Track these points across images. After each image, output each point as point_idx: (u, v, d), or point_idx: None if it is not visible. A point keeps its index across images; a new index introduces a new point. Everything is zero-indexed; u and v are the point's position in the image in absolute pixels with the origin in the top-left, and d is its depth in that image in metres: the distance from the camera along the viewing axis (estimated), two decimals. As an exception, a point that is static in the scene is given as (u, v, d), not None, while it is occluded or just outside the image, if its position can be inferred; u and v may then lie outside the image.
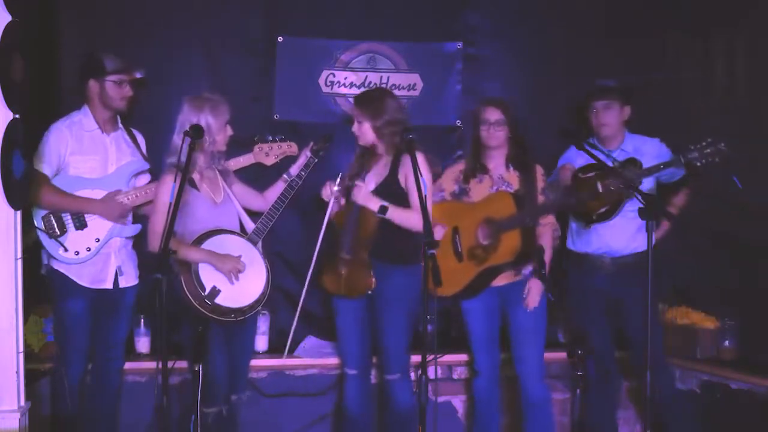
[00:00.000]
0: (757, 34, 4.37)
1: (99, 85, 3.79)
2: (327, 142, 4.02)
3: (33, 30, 3.66)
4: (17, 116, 3.08)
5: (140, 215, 3.92)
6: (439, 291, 3.84)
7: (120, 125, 3.93)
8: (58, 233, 3.70)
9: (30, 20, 3.40)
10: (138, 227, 3.89)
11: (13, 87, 3.06)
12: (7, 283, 3.06)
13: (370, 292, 3.72)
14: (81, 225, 3.74)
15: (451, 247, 3.91)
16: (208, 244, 3.59)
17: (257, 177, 4.25)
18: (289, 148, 4.15)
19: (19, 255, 3.10)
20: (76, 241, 3.73)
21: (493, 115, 3.90)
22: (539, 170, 3.96)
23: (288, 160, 4.14)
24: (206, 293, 3.52)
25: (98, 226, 3.77)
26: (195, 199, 3.64)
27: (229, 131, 3.70)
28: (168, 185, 3.49)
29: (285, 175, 4.00)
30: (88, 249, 3.74)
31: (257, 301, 3.67)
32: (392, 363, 3.77)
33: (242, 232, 3.81)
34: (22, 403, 3.10)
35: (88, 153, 3.77)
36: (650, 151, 4.02)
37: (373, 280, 3.70)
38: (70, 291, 3.73)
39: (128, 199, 3.79)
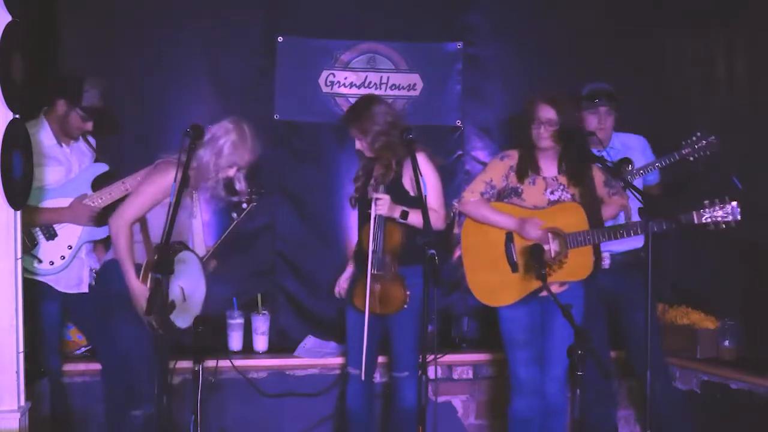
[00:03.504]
0: (757, 31, 4.36)
1: (66, 108, 3.73)
2: (260, 195, 3.92)
3: (33, 30, 3.64)
4: (17, 116, 3.08)
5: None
6: (485, 301, 3.70)
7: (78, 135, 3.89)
8: (30, 247, 3.66)
9: (30, 20, 3.39)
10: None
11: (13, 87, 3.06)
12: (7, 283, 3.06)
13: (406, 306, 3.65)
14: (51, 235, 3.72)
15: (506, 256, 3.54)
16: (180, 259, 3.39)
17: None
18: None
19: (19, 255, 3.10)
20: (49, 251, 3.71)
21: (547, 113, 3.57)
22: (595, 170, 3.68)
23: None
24: (166, 305, 3.30)
25: (68, 233, 3.74)
26: (185, 204, 3.54)
27: (229, 173, 3.52)
28: (165, 174, 3.37)
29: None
30: (62, 257, 3.73)
31: (188, 329, 3.48)
32: (400, 361, 3.76)
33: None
34: (22, 403, 3.09)
35: (50, 165, 3.72)
36: (636, 147, 4.09)
37: (408, 292, 3.63)
38: (45, 295, 3.70)
39: (95, 202, 3.74)
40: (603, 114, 4.03)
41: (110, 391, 3.84)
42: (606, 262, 4.04)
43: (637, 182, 4.04)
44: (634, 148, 4.08)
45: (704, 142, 3.88)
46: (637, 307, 3.54)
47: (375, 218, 3.59)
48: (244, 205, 3.87)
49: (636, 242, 4.00)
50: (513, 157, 3.71)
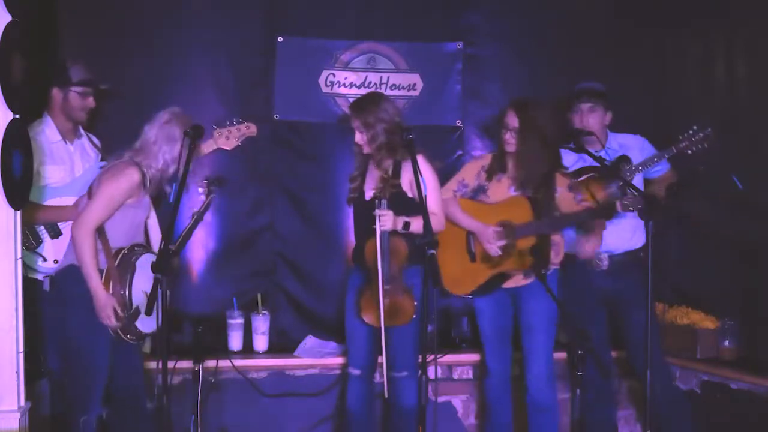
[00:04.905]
0: (757, 34, 4.36)
1: (62, 94, 3.75)
2: (218, 184, 3.87)
3: (33, 30, 3.65)
4: (17, 116, 3.08)
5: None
6: (451, 290, 3.90)
7: (82, 132, 3.91)
8: (35, 245, 3.68)
9: (30, 20, 3.39)
10: None
11: (13, 87, 3.06)
12: (7, 283, 3.06)
13: (415, 316, 3.67)
14: (56, 234, 3.72)
15: (466, 247, 3.84)
16: (142, 262, 3.42)
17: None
18: (248, 129, 3.95)
19: (19, 255, 3.10)
20: (53, 249, 3.71)
21: (512, 120, 3.78)
22: (559, 177, 3.84)
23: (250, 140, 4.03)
24: (131, 312, 3.37)
25: None
26: (144, 204, 3.55)
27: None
28: (124, 176, 3.38)
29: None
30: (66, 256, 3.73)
31: (152, 333, 3.50)
32: (399, 361, 3.76)
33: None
34: (22, 403, 3.09)
35: (55, 163, 3.73)
36: (635, 146, 4.07)
37: (416, 304, 3.65)
38: (44, 295, 3.69)
39: None
40: (585, 111, 4.03)
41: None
42: (605, 264, 4.04)
43: (638, 179, 4.03)
44: (632, 147, 4.06)
45: (701, 135, 3.86)
46: (636, 307, 3.55)
47: (380, 235, 3.58)
48: (202, 197, 3.82)
49: (635, 243, 4.01)
50: (487, 158, 4.00)
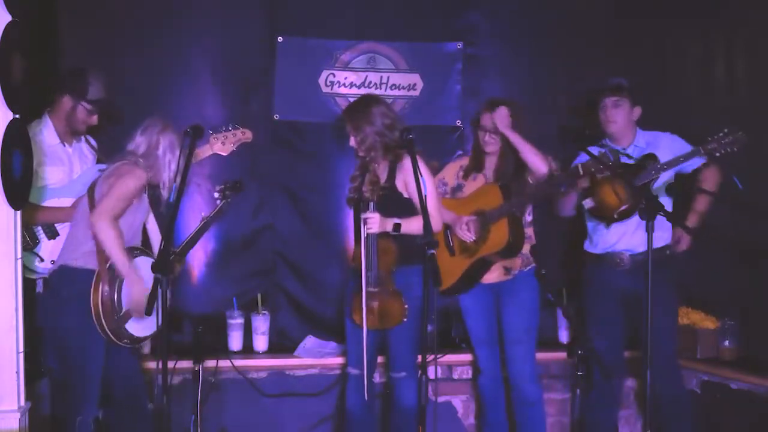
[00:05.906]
0: (757, 34, 4.36)
1: (72, 103, 3.74)
2: (235, 189, 3.89)
3: (33, 30, 3.64)
4: (17, 116, 3.08)
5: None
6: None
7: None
8: (32, 245, 3.68)
9: (30, 20, 3.40)
10: None
11: (13, 87, 3.06)
12: (7, 283, 3.06)
13: (405, 320, 3.67)
14: (53, 234, 3.72)
15: (444, 242, 3.91)
16: (135, 265, 3.43)
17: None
18: (243, 134, 3.95)
19: (19, 255, 3.10)
20: (51, 250, 3.71)
21: (486, 121, 3.96)
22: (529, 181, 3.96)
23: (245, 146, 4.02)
24: (120, 314, 3.38)
25: None
26: (144, 207, 3.59)
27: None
28: (133, 177, 3.41)
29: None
30: None
31: (154, 334, 3.50)
32: (397, 361, 3.77)
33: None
34: (22, 403, 3.10)
35: (53, 164, 3.74)
36: (665, 144, 4.01)
37: (406, 306, 3.64)
38: (37, 296, 3.68)
39: None
40: (610, 106, 4.02)
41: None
42: (626, 263, 4.01)
43: (667, 174, 3.97)
44: (660, 146, 3.99)
45: (731, 138, 3.76)
46: (655, 307, 3.50)
47: (366, 237, 3.59)
48: (218, 202, 3.85)
49: (656, 241, 3.96)
50: (465, 159, 4.17)
